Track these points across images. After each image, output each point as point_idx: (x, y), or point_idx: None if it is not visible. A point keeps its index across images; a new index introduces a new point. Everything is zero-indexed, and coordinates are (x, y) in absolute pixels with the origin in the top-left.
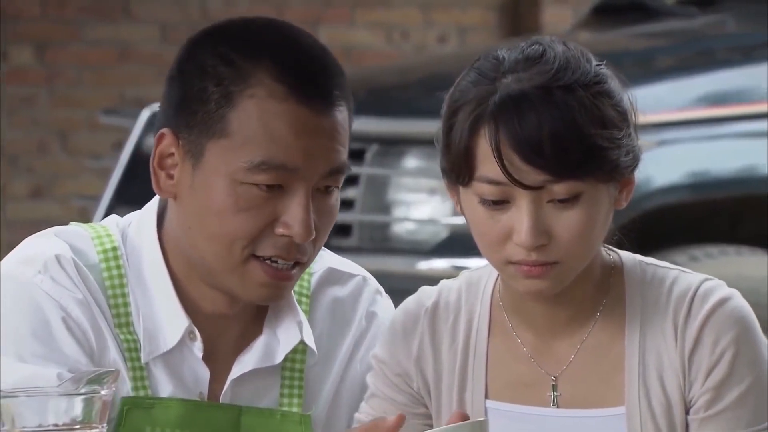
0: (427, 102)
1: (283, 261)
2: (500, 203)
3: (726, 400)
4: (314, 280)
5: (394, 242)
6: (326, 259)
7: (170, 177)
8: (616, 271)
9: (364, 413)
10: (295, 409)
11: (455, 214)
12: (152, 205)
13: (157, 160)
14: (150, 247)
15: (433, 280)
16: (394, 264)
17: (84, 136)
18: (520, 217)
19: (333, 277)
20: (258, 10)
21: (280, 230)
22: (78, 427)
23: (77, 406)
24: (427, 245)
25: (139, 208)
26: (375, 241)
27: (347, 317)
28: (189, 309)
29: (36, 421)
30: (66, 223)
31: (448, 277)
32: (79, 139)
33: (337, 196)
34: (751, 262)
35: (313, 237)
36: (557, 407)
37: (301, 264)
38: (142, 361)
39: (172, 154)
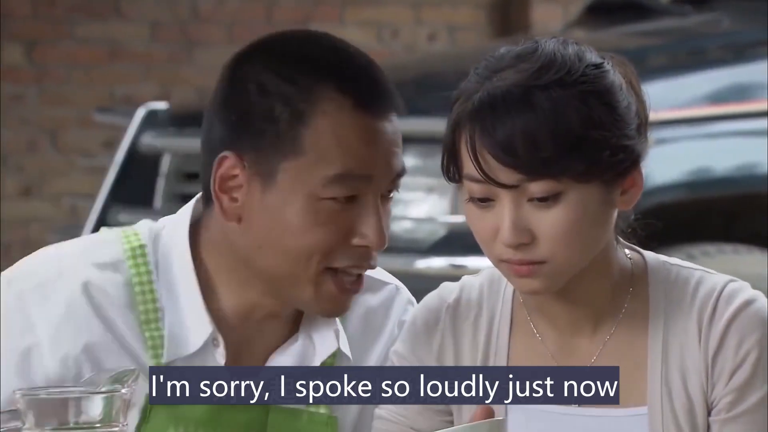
0: (422, 100)
1: (357, 270)
2: (486, 201)
3: (748, 402)
4: None
5: (391, 241)
6: None
7: (234, 200)
8: (638, 270)
9: (385, 409)
10: (322, 411)
11: (453, 212)
12: (187, 209)
13: (218, 183)
14: (180, 251)
15: (431, 278)
16: (392, 262)
17: (74, 135)
18: (502, 215)
19: (366, 283)
20: (248, 9)
21: (356, 240)
22: (98, 426)
23: (97, 405)
24: (425, 243)
25: (135, 207)
26: None
27: (378, 325)
28: (215, 316)
29: (56, 420)
30: (56, 222)
31: (446, 276)
32: (70, 137)
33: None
34: (748, 261)
35: (386, 244)
36: (579, 406)
37: (364, 274)
38: (164, 360)
39: (235, 176)
